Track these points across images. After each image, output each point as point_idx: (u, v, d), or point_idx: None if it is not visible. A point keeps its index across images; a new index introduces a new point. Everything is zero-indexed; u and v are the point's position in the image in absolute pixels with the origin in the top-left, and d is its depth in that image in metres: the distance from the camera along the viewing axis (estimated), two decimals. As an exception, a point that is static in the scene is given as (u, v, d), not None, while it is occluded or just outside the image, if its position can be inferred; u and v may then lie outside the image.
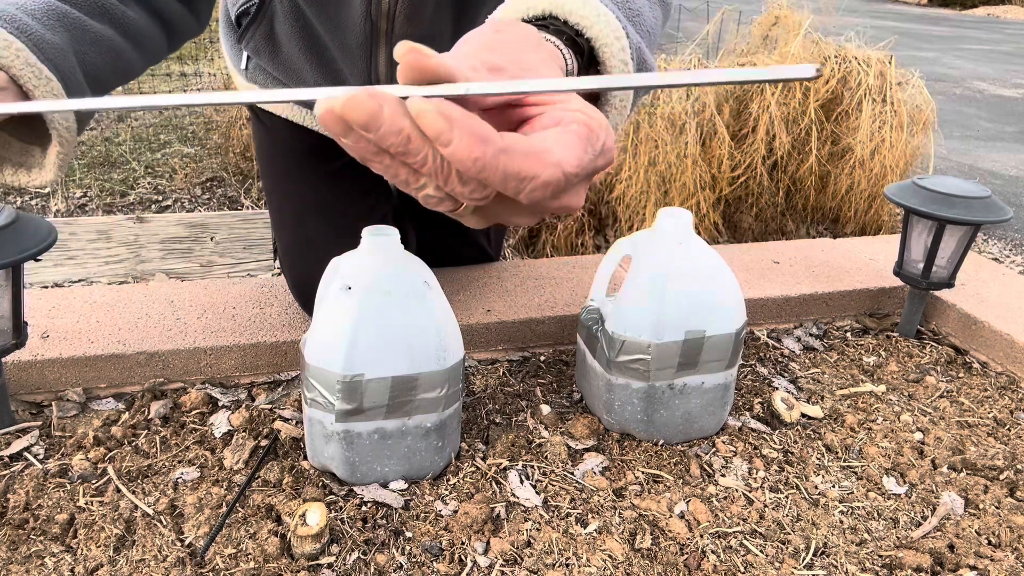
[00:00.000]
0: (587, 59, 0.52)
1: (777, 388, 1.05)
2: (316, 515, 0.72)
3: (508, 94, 0.37)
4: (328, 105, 0.34)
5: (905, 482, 0.88)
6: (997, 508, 0.84)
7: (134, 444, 0.86)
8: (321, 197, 1.15)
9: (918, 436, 0.97)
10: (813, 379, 1.09)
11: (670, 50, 2.94)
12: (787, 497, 0.84)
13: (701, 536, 0.77)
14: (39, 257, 0.79)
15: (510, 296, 1.17)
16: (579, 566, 0.73)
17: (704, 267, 0.88)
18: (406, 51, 0.35)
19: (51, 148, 0.67)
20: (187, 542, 0.73)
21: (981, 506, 0.84)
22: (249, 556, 0.71)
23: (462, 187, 0.36)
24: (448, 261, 1.28)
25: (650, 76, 0.37)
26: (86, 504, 0.77)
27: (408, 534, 0.76)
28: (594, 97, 0.53)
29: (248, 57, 1.11)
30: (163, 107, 0.36)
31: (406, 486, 0.82)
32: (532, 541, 0.76)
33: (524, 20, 0.52)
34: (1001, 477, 0.89)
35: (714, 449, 0.91)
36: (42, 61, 0.64)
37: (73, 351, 0.95)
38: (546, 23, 0.52)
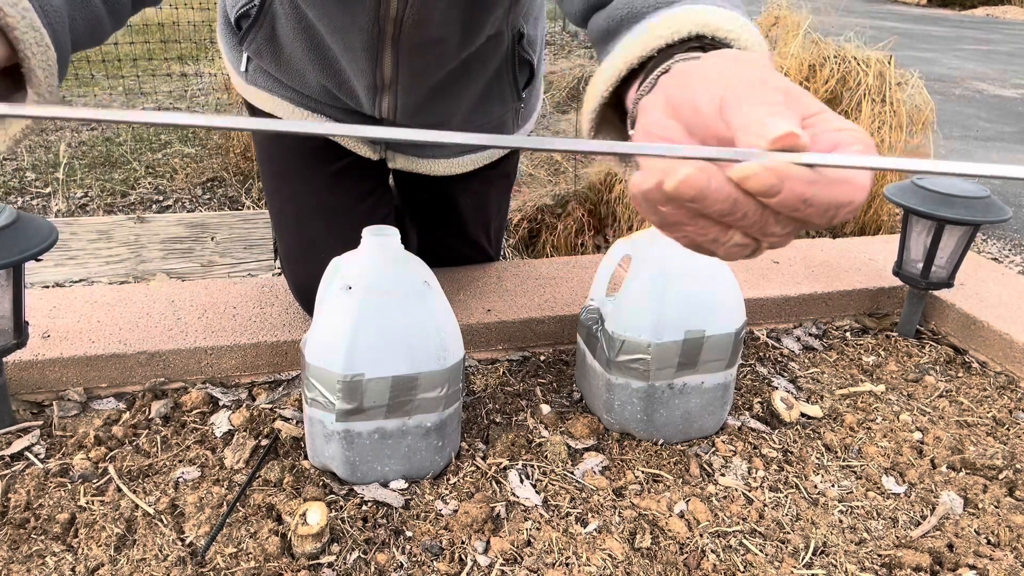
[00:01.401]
0: None
1: (777, 388, 1.05)
2: (316, 514, 0.72)
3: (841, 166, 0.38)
4: (652, 183, 0.38)
5: (904, 481, 0.88)
6: (996, 507, 0.84)
7: (135, 444, 0.86)
8: (322, 198, 1.15)
9: (917, 436, 0.97)
10: (812, 379, 1.09)
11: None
12: (786, 496, 0.84)
13: (701, 535, 0.78)
14: (40, 257, 0.80)
15: (510, 296, 1.17)
16: (579, 565, 0.73)
17: (704, 267, 0.88)
18: (783, 136, 0.36)
19: (16, 124, 0.59)
20: (188, 541, 0.73)
21: (980, 505, 0.84)
22: (250, 555, 0.71)
23: (779, 229, 0.39)
24: (448, 261, 1.28)
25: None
26: (87, 503, 0.77)
27: (408, 533, 0.76)
28: None
29: (248, 59, 1.11)
30: (215, 128, 0.36)
31: (406, 485, 0.82)
32: (532, 540, 0.76)
33: (669, 44, 0.54)
34: (1000, 476, 0.89)
35: (714, 449, 0.91)
36: (45, 26, 0.58)
37: (74, 351, 0.95)
38: (697, 43, 0.54)
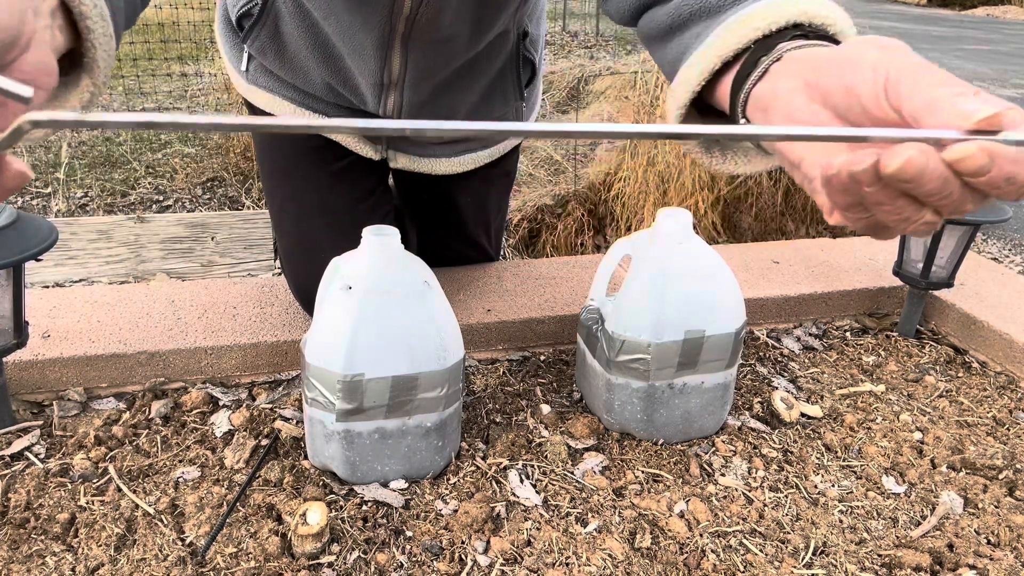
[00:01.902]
0: None
1: (777, 388, 1.05)
2: (317, 514, 0.72)
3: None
4: (867, 164, 0.39)
5: (904, 481, 0.88)
6: (996, 507, 0.84)
7: (135, 443, 0.86)
8: (322, 198, 1.15)
9: (917, 436, 0.97)
10: (812, 379, 1.09)
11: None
12: (786, 496, 0.84)
13: (701, 535, 0.78)
14: (40, 257, 0.80)
15: (510, 296, 1.17)
16: (579, 565, 0.73)
17: (704, 267, 0.88)
18: (988, 118, 0.38)
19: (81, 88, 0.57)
20: (188, 541, 0.73)
21: (980, 505, 0.84)
22: (250, 555, 0.71)
23: (971, 206, 0.41)
24: (448, 261, 1.28)
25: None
26: (87, 503, 0.77)
27: (408, 533, 0.76)
28: None
29: (249, 58, 1.11)
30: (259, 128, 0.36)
31: (406, 485, 0.82)
32: (532, 540, 0.76)
33: (766, 35, 0.55)
34: (1000, 476, 0.89)
35: (714, 449, 0.91)
36: (110, 13, 0.55)
37: (74, 351, 0.95)
38: (797, 31, 0.55)
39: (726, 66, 0.58)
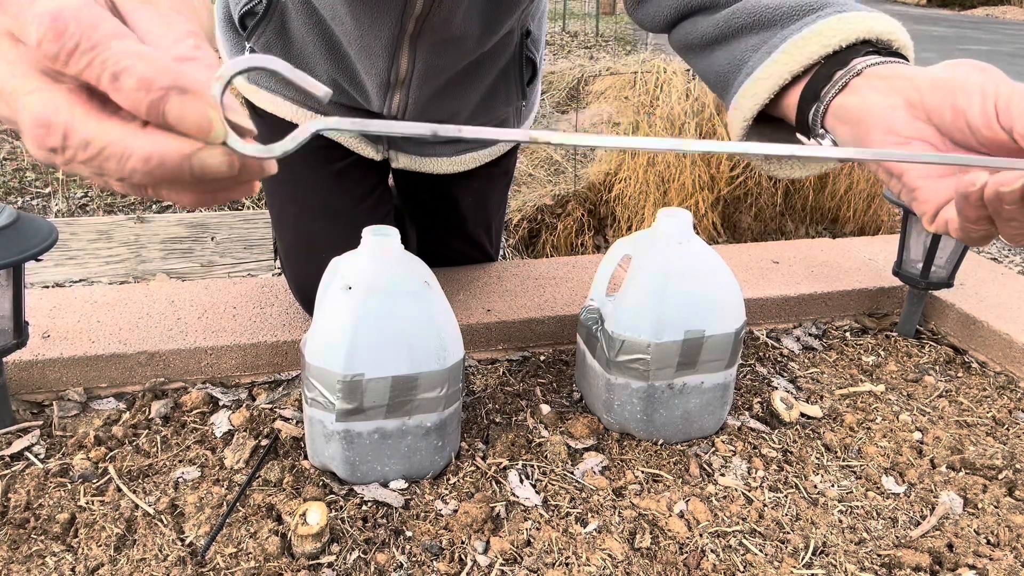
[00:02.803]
0: None
1: (776, 388, 1.05)
2: (316, 514, 0.72)
3: None
4: (972, 183, 0.43)
5: (904, 481, 0.88)
6: (996, 507, 0.84)
7: (135, 444, 0.86)
8: (322, 198, 1.15)
9: (917, 436, 0.97)
10: (812, 379, 1.09)
11: (670, 50, 2.93)
12: (786, 496, 0.84)
13: (700, 535, 0.78)
14: (40, 257, 0.80)
15: (510, 296, 1.17)
16: (579, 565, 0.73)
17: (704, 267, 0.88)
18: None
19: None
20: (188, 541, 0.73)
21: (980, 505, 0.84)
22: (250, 555, 0.71)
23: None
24: (448, 261, 1.28)
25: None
26: (87, 503, 0.77)
27: (408, 533, 0.76)
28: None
29: (250, 58, 1.11)
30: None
31: (406, 485, 0.82)
32: (532, 540, 0.76)
33: (836, 51, 0.58)
34: (1000, 476, 0.89)
35: (713, 449, 0.91)
36: None
37: (74, 351, 0.95)
38: (865, 48, 0.59)
39: (793, 79, 0.61)
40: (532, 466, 0.86)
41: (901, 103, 0.51)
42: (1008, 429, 0.99)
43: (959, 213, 0.47)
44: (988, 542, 0.80)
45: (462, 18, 0.92)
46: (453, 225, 1.30)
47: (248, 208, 2.93)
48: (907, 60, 0.60)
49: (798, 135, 0.63)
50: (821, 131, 0.60)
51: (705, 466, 0.88)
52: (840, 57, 0.58)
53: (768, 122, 0.68)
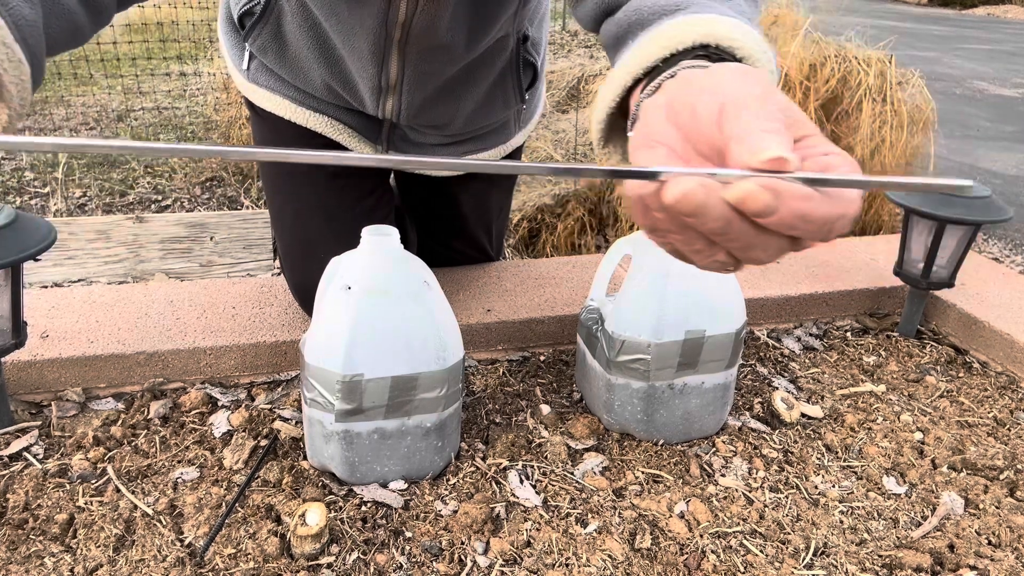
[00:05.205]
0: None
1: (777, 388, 1.05)
2: (316, 515, 0.72)
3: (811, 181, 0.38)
4: (652, 188, 0.37)
5: (905, 482, 0.88)
6: (997, 508, 0.84)
7: (133, 444, 0.86)
8: (322, 198, 1.15)
9: (918, 436, 0.97)
10: (813, 379, 1.09)
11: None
12: (787, 497, 0.84)
13: (701, 536, 0.77)
14: (38, 257, 0.79)
15: (510, 296, 1.17)
16: (579, 566, 0.73)
17: (704, 267, 0.87)
18: (774, 159, 0.36)
19: None
20: (187, 542, 0.73)
21: (981, 506, 0.84)
22: (249, 556, 0.71)
23: (762, 254, 0.39)
24: (448, 261, 1.27)
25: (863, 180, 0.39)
26: (85, 504, 0.77)
27: (408, 534, 0.76)
28: None
29: (250, 57, 1.11)
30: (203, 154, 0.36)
31: (406, 486, 0.82)
32: (532, 541, 0.76)
33: (674, 54, 0.54)
34: (1001, 477, 0.89)
35: (714, 449, 0.91)
36: (17, 40, 0.56)
37: (72, 351, 0.94)
38: (702, 52, 0.54)
39: (643, 77, 0.57)
40: (532, 466, 0.86)
41: (664, 105, 0.47)
42: (1009, 429, 0.99)
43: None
44: (989, 543, 0.79)
45: (447, 26, 0.92)
46: (453, 225, 1.30)
47: (247, 208, 2.93)
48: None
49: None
50: (630, 135, 0.56)
51: (706, 466, 0.88)
52: (676, 59, 0.55)
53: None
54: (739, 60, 0.54)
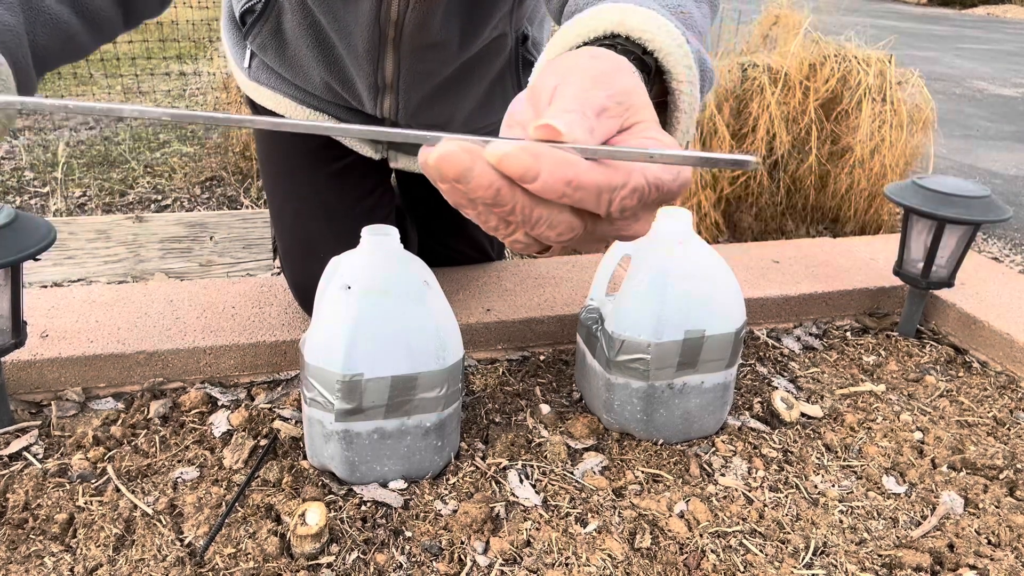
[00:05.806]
0: (653, 72, 0.54)
1: (777, 387, 1.05)
2: (315, 515, 0.72)
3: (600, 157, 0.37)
4: (423, 158, 0.35)
5: (905, 481, 0.88)
6: (997, 507, 0.84)
7: (133, 444, 0.86)
8: (322, 197, 1.15)
9: (918, 435, 0.97)
10: (813, 378, 1.09)
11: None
12: (787, 496, 0.84)
13: (701, 535, 0.77)
14: (38, 257, 0.79)
15: (510, 296, 1.17)
16: (579, 566, 0.73)
17: (704, 267, 0.87)
18: (541, 127, 0.36)
19: None
20: (187, 542, 0.73)
21: (981, 505, 0.84)
22: (249, 556, 0.71)
23: (549, 231, 0.38)
24: (448, 261, 1.27)
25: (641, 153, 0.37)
26: (85, 504, 0.77)
27: (408, 533, 0.76)
28: (662, 104, 0.54)
29: (251, 55, 1.11)
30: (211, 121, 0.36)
31: (406, 486, 0.82)
32: (532, 541, 0.76)
33: (586, 42, 0.53)
34: (1001, 476, 0.89)
35: (714, 449, 0.91)
36: None
37: (72, 351, 0.94)
38: (610, 42, 0.53)
39: None
40: (532, 466, 0.86)
41: (530, 86, 0.46)
42: (1009, 429, 0.99)
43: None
44: (989, 542, 0.79)
45: (439, 24, 0.92)
46: (453, 225, 1.30)
47: (247, 208, 2.93)
48: (655, 62, 0.54)
49: None
50: None
51: (705, 466, 0.88)
52: (589, 47, 0.53)
53: None
54: (650, 53, 0.53)
